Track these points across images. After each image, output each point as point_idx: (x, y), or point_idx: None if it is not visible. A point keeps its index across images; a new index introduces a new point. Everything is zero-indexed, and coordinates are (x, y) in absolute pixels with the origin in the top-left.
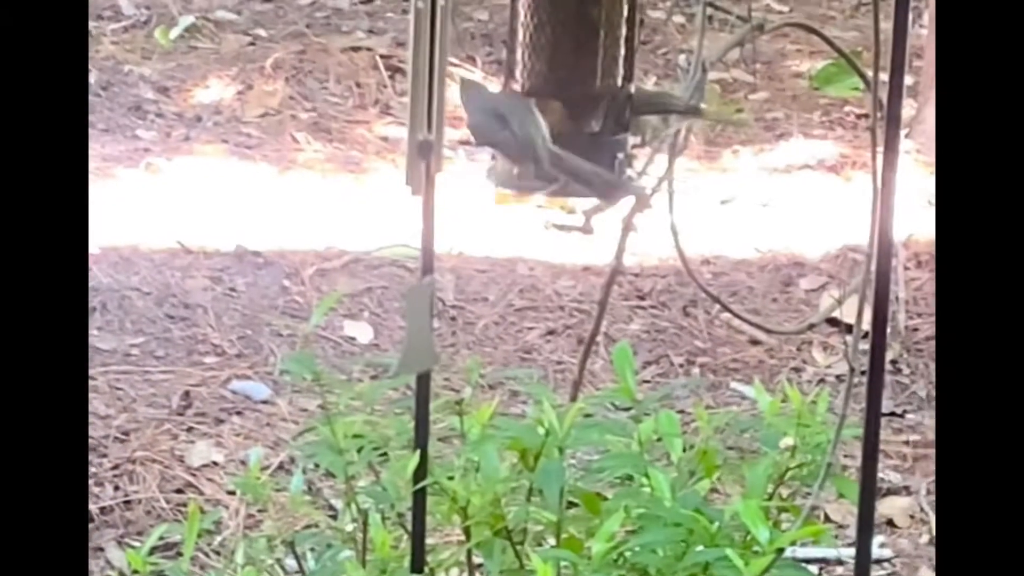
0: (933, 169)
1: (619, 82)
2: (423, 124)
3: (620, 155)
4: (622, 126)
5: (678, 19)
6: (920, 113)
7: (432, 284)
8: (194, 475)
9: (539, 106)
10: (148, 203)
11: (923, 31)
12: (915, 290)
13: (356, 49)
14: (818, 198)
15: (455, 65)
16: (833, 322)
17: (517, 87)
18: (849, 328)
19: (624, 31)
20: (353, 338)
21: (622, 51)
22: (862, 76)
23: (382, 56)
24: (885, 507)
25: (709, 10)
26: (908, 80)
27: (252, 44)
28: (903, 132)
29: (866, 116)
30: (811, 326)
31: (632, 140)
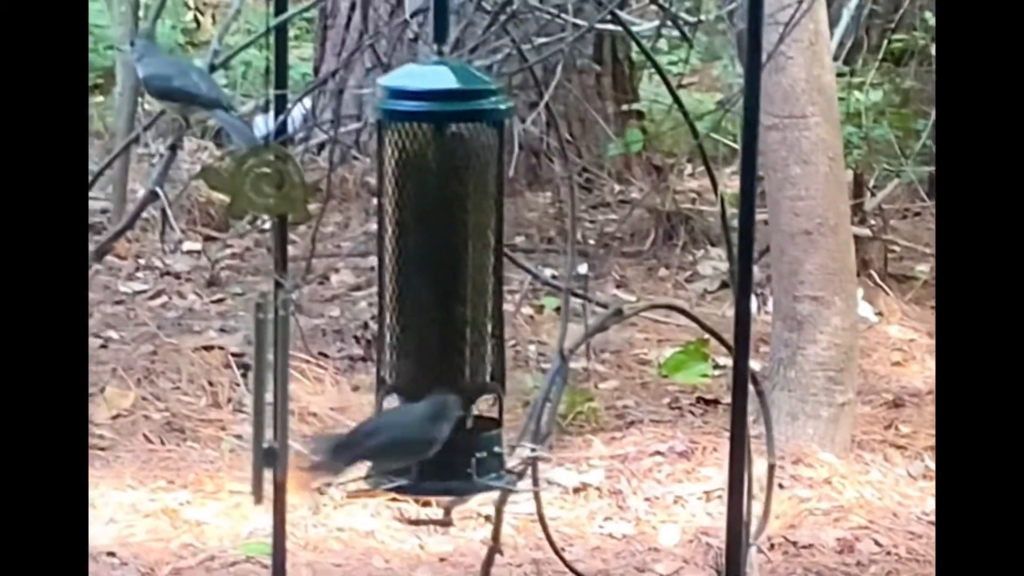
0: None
1: (488, 379)
2: (266, 432)
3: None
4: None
5: (527, 311)
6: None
7: None
8: None
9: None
10: None
11: (767, 316)
12: (770, 573)
13: (208, 348)
14: (670, 484)
15: (306, 362)
16: None
17: (386, 387)
18: None
19: (490, 329)
20: None
21: (488, 349)
22: (728, 348)
23: (234, 354)
24: None
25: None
26: (755, 365)
27: (104, 346)
28: (751, 419)
29: (715, 402)
30: None
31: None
